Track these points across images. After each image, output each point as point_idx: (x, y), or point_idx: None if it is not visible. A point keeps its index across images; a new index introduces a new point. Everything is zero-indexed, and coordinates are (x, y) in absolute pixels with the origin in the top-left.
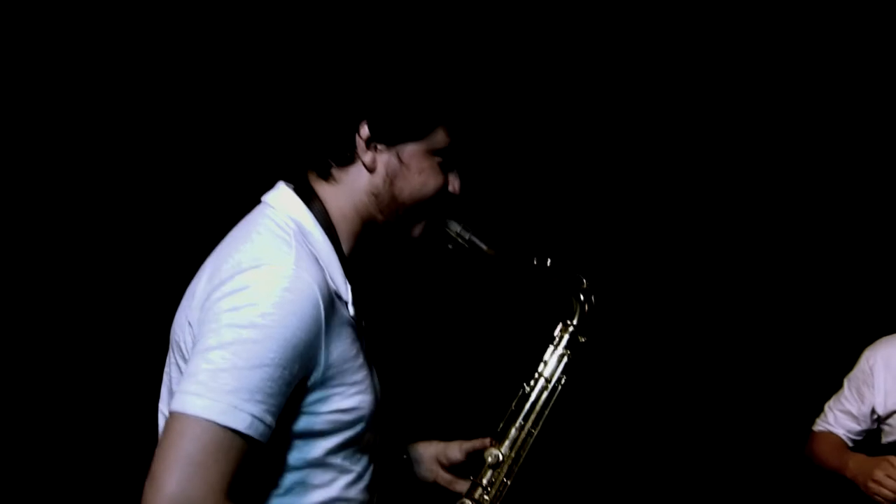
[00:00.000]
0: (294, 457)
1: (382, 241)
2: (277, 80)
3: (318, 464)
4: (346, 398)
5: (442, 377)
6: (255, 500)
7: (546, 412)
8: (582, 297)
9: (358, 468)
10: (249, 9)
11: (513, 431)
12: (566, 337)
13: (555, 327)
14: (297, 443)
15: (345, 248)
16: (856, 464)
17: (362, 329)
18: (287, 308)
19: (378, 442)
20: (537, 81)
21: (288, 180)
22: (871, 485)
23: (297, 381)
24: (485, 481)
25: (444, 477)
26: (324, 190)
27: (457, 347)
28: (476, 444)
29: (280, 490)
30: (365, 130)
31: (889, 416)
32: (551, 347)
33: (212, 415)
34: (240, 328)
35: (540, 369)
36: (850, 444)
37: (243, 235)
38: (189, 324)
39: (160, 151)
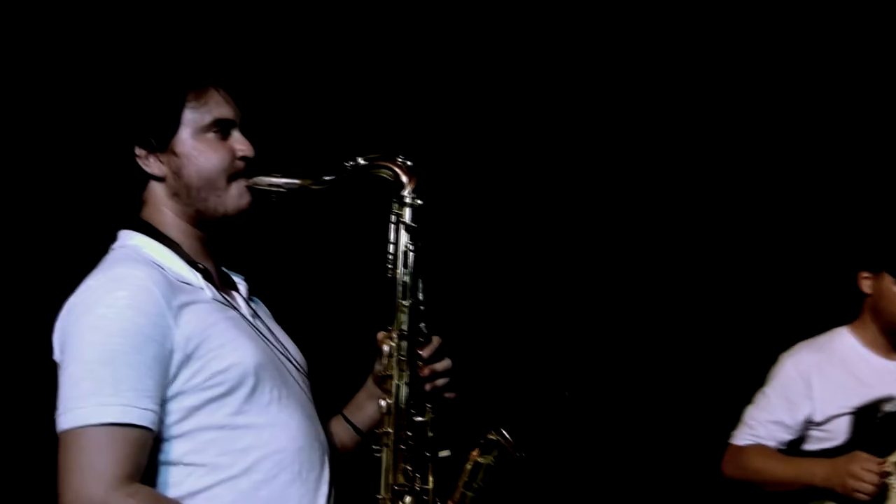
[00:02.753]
0: (202, 428)
1: (224, 225)
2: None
3: (231, 427)
4: (220, 360)
5: (320, 307)
6: (185, 485)
7: (409, 281)
8: (402, 169)
9: (280, 419)
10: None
11: (397, 315)
12: (406, 210)
13: (390, 208)
14: (198, 415)
15: (188, 247)
16: (825, 468)
17: (229, 301)
18: (121, 303)
19: (306, 394)
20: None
21: (125, 226)
22: (850, 481)
23: (164, 362)
24: (391, 371)
25: None
26: (148, 215)
27: (324, 277)
28: (377, 343)
29: (203, 466)
30: (140, 151)
31: (826, 421)
32: (393, 224)
33: (81, 421)
34: (83, 337)
35: (392, 250)
36: None
37: (90, 274)
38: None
39: None
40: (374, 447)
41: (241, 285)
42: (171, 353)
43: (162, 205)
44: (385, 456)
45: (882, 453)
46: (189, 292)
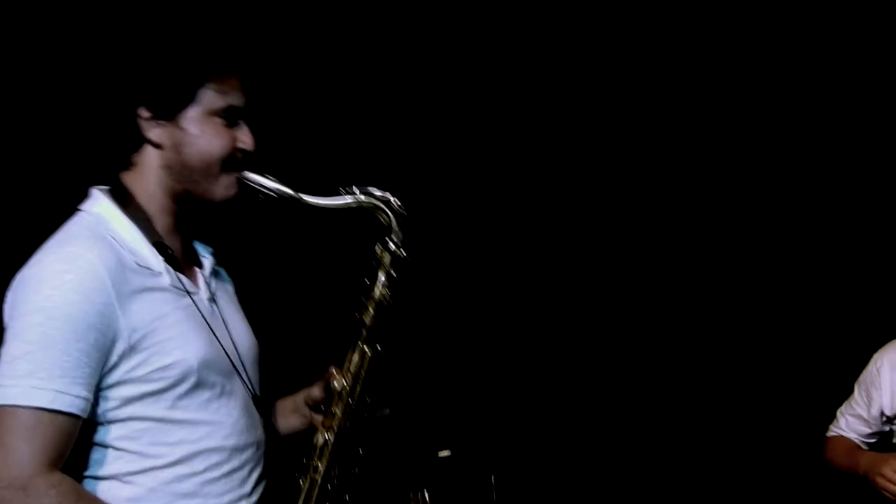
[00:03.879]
0: (138, 417)
1: (204, 209)
2: (59, 92)
3: (166, 420)
4: (163, 356)
5: (284, 324)
6: (112, 467)
7: (378, 330)
8: (393, 214)
9: (216, 418)
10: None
11: (353, 356)
12: (387, 255)
13: (374, 249)
14: (135, 405)
15: (160, 225)
16: (866, 461)
17: (187, 287)
18: (67, 287)
19: (250, 391)
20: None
21: (101, 183)
22: (879, 479)
23: (104, 350)
24: (336, 409)
25: (315, 417)
26: (130, 179)
27: (293, 293)
28: (327, 376)
29: (133, 453)
30: (145, 113)
31: None
32: (373, 268)
33: (11, 400)
34: (27, 316)
35: (368, 293)
36: (864, 447)
37: (48, 243)
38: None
39: None
40: (296, 474)
41: (207, 259)
42: (113, 341)
43: (150, 172)
44: (306, 486)
45: None
46: (145, 276)
